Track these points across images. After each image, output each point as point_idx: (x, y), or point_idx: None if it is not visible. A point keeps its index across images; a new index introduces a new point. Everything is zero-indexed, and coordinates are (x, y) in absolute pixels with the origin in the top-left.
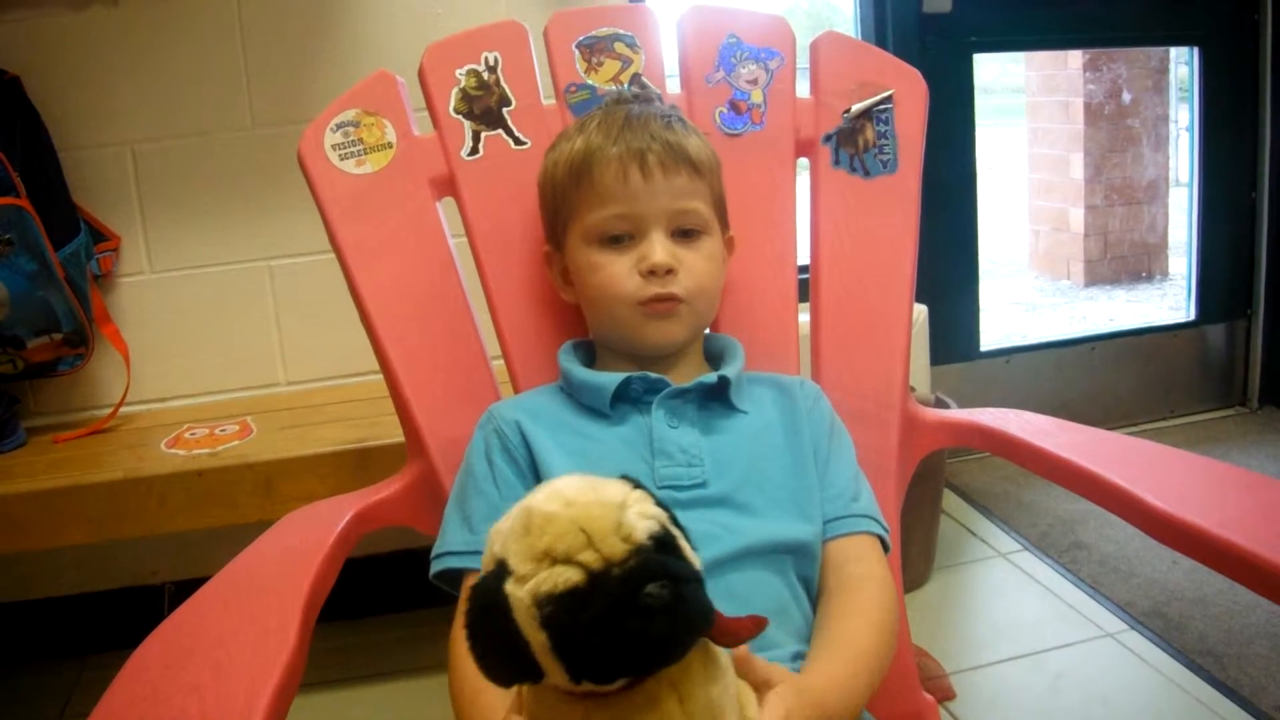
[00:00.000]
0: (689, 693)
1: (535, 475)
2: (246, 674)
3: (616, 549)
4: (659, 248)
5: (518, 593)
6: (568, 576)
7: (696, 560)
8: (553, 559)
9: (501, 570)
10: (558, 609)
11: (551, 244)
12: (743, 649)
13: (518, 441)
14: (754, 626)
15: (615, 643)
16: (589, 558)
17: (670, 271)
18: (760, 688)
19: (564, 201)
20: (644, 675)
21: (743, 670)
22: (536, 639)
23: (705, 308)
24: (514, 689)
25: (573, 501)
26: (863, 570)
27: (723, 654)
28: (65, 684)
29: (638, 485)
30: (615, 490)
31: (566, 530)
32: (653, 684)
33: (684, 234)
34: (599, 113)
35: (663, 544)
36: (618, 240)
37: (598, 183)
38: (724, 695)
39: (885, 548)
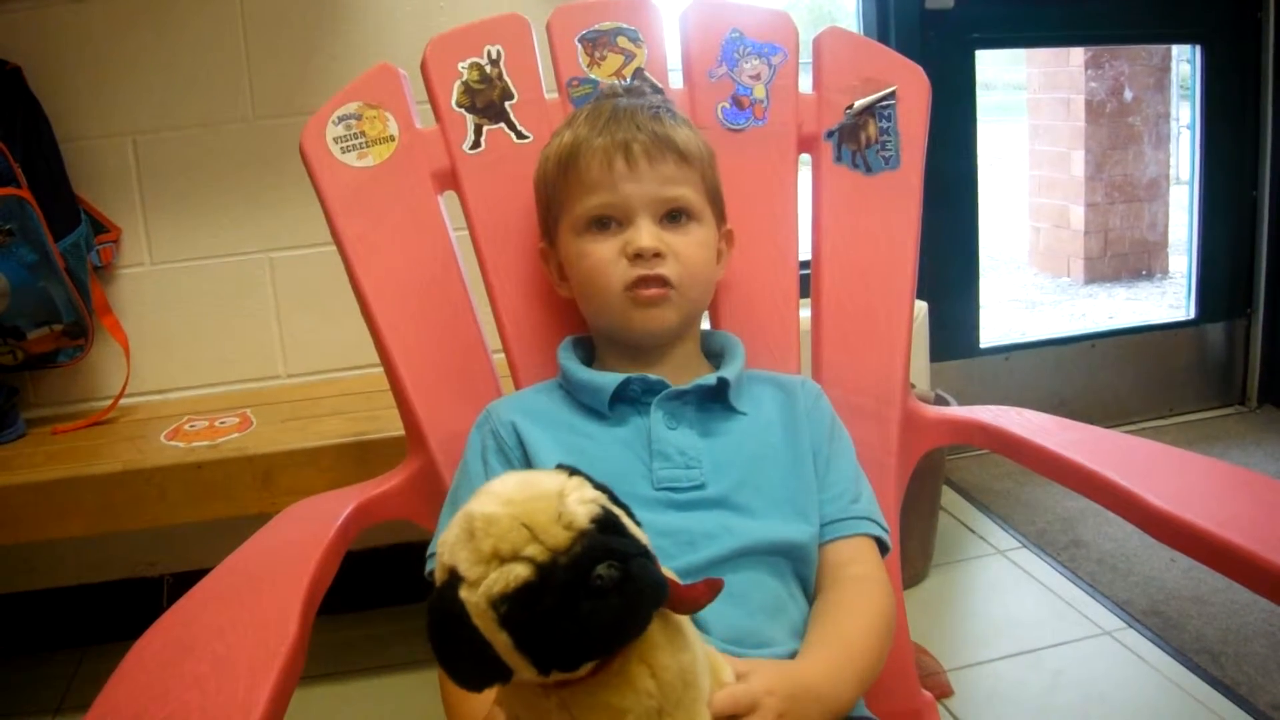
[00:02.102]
0: (660, 663)
1: None
2: (247, 667)
3: (560, 538)
4: (644, 232)
5: (472, 598)
6: (517, 573)
7: (642, 535)
8: (500, 559)
9: (454, 578)
10: (513, 607)
11: (546, 240)
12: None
13: (513, 443)
14: (709, 590)
15: (574, 629)
16: (535, 551)
17: (658, 255)
18: (740, 676)
19: (554, 195)
20: (610, 655)
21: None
22: (499, 639)
23: (698, 295)
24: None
25: (510, 499)
26: (860, 571)
27: (687, 623)
28: (64, 675)
29: (574, 472)
30: (551, 481)
31: (509, 528)
32: (621, 661)
33: (673, 220)
34: (588, 107)
35: (605, 524)
36: (604, 228)
37: (584, 173)
38: (695, 662)
39: (885, 548)
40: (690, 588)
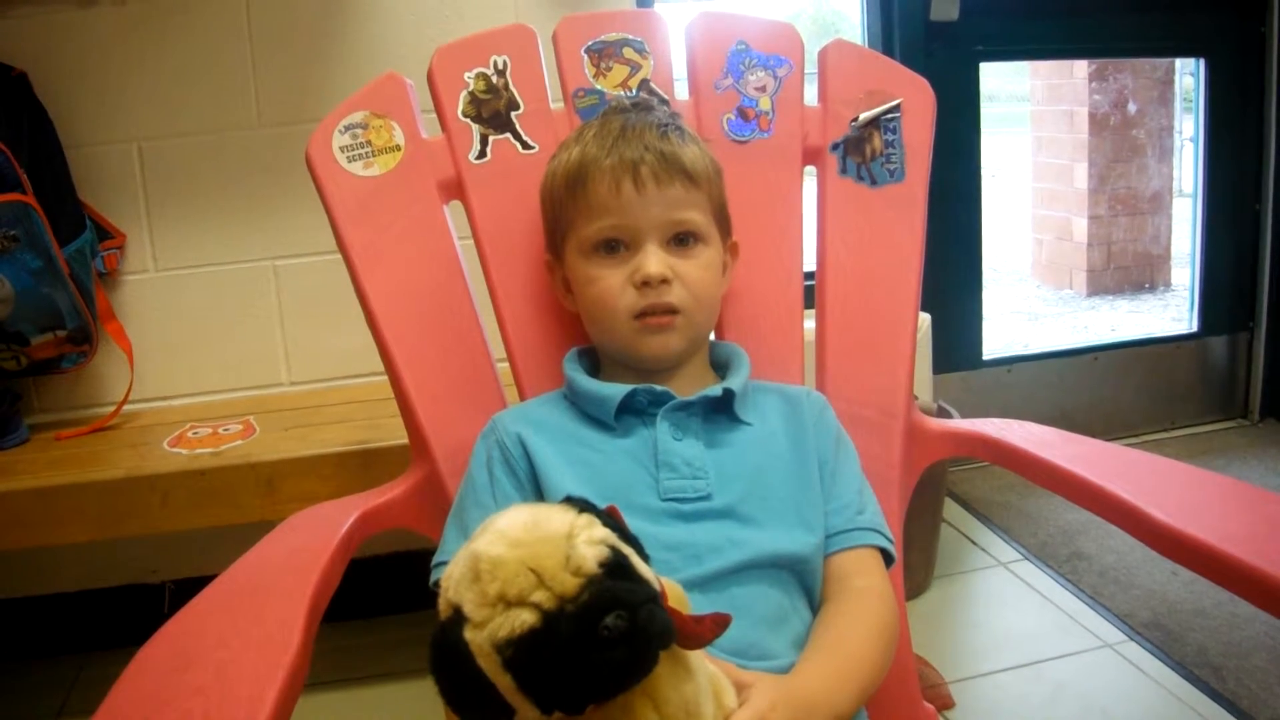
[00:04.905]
0: (663, 696)
1: (535, 488)
2: (251, 676)
3: (568, 585)
4: (652, 259)
5: (476, 639)
6: (523, 619)
7: (650, 573)
8: (506, 603)
9: (458, 617)
10: (518, 652)
11: (552, 254)
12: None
13: (519, 454)
14: (716, 627)
15: (579, 677)
16: (542, 597)
17: (665, 282)
18: (741, 688)
19: (561, 213)
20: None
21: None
22: (502, 681)
23: (704, 319)
24: None
25: (519, 541)
26: (864, 583)
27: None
28: (64, 681)
29: (584, 508)
30: (559, 521)
31: (516, 573)
32: (625, 697)
33: (680, 244)
34: (596, 122)
35: (614, 568)
36: (612, 251)
37: (591, 195)
38: (698, 691)
39: (890, 559)
40: (697, 624)
